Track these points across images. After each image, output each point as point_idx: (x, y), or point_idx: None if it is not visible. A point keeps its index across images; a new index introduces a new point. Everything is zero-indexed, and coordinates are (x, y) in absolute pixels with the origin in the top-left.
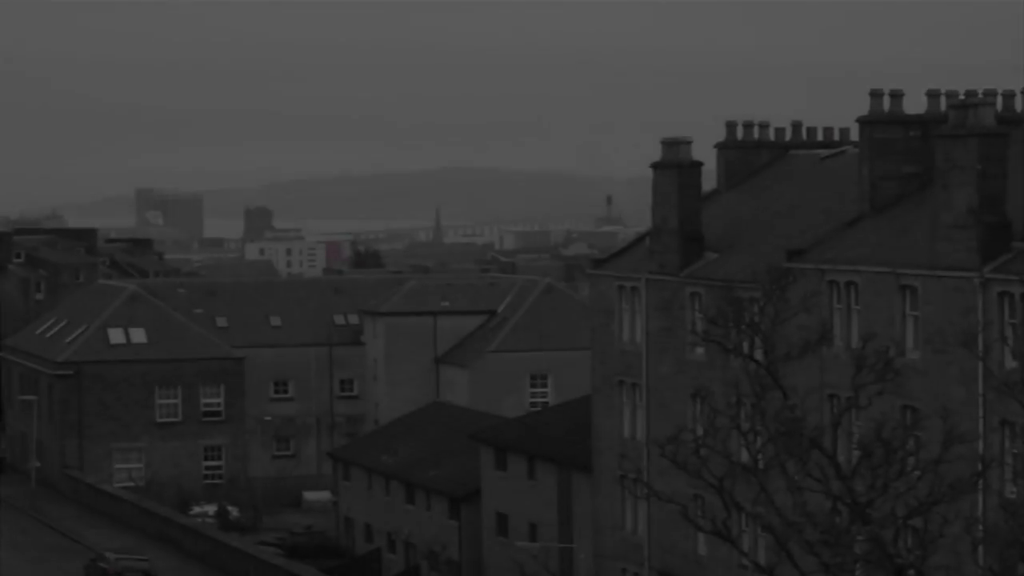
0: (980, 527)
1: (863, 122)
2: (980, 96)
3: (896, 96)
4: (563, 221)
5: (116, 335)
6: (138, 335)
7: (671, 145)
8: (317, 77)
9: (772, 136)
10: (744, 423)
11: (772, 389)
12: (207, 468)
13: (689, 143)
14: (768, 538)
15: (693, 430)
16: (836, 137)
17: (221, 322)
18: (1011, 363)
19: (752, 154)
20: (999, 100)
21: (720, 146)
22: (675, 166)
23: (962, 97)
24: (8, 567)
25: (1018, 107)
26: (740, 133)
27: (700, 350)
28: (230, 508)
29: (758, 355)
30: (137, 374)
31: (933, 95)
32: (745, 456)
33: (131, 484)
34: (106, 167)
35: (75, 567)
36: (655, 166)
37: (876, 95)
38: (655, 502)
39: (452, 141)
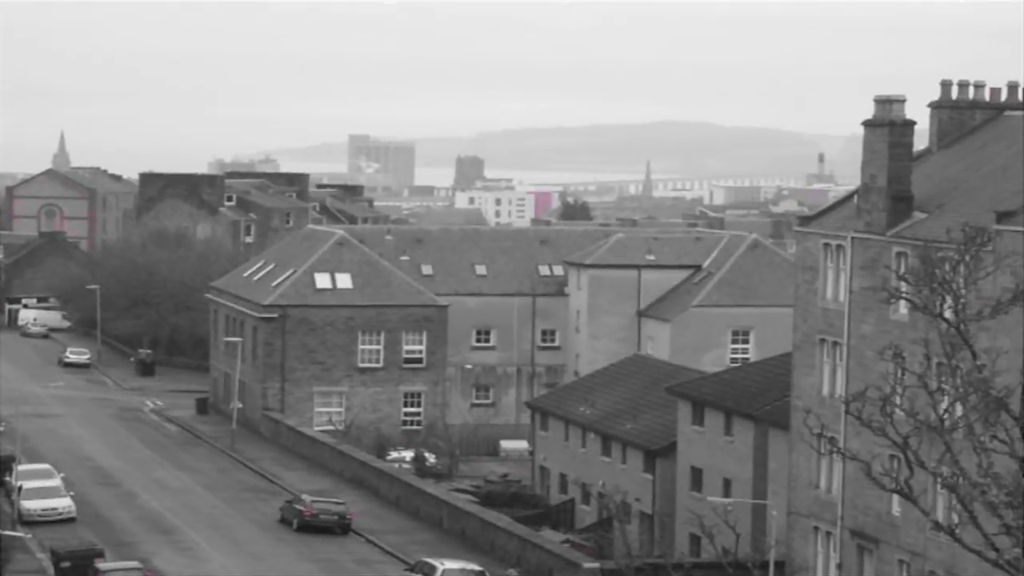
0: None
1: None
2: None
3: None
4: (774, 178)
5: (322, 280)
6: (344, 280)
7: (884, 103)
8: (532, 28)
9: (987, 96)
10: (932, 382)
11: (962, 349)
12: (406, 414)
13: (902, 101)
14: (952, 498)
15: (880, 388)
16: None
17: (426, 269)
18: None
19: (966, 114)
20: None
21: (934, 105)
22: (887, 124)
23: None
24: (206, 505)
25: None
26: (955, 93)
27: (903, 310)
28: (427, 455)
29: (949, 314)
30: (341, 319)
31: None
32: (933, 416)
33: (331, 428)
34: (323, 113)
35: (272, 508)
36: (866, 123)
37: None
38: (850, 461)
39: (666, 95)
